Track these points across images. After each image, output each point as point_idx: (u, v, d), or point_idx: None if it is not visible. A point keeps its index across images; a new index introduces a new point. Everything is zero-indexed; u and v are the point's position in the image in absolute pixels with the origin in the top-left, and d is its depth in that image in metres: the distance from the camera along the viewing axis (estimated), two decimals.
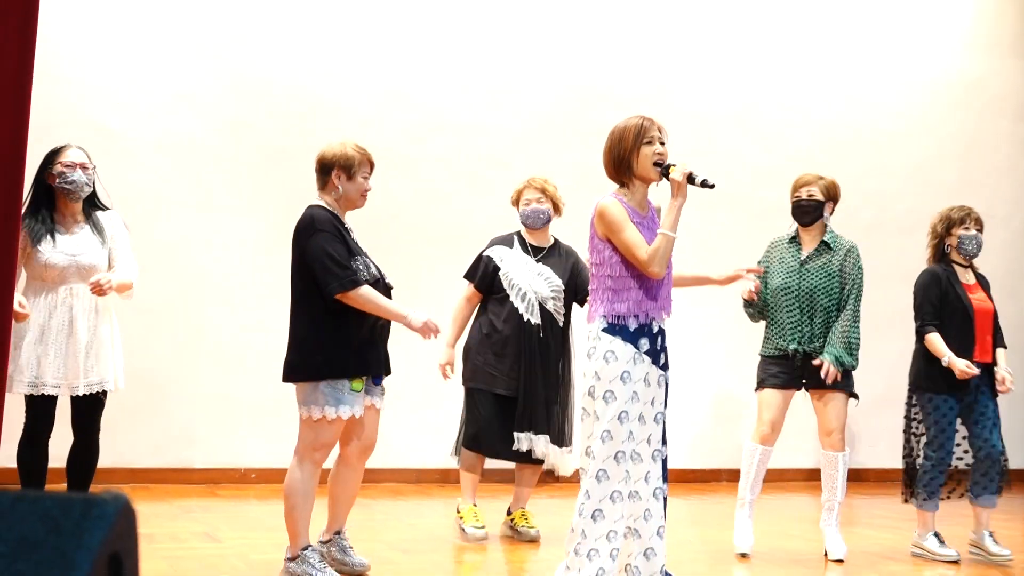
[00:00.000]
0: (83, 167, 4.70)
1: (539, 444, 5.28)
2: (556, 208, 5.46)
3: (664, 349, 3.91)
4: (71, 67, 6.81)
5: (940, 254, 5.36)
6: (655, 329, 3.87)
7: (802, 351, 5.11)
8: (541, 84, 7.76)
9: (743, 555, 5.07)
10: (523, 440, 5.26)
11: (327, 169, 4.27)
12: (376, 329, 4.26)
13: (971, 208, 5.38)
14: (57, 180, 4.66)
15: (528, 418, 5.28)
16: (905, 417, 5.41)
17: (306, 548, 4.22)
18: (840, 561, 5.11)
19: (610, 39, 7.95)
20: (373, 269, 4.27)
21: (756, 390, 5.29)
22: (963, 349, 5.17)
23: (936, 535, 5.22)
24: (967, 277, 5.36)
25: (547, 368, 5.34)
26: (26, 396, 4.57)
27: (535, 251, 5.47)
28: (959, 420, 5.28)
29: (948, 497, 5.39)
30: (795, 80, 8.41)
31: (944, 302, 5.22)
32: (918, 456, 5.31)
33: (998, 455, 5.18)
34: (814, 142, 8.36)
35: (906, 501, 5.35)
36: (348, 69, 7.38)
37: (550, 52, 7.80)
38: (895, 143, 8.64)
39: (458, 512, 5.44)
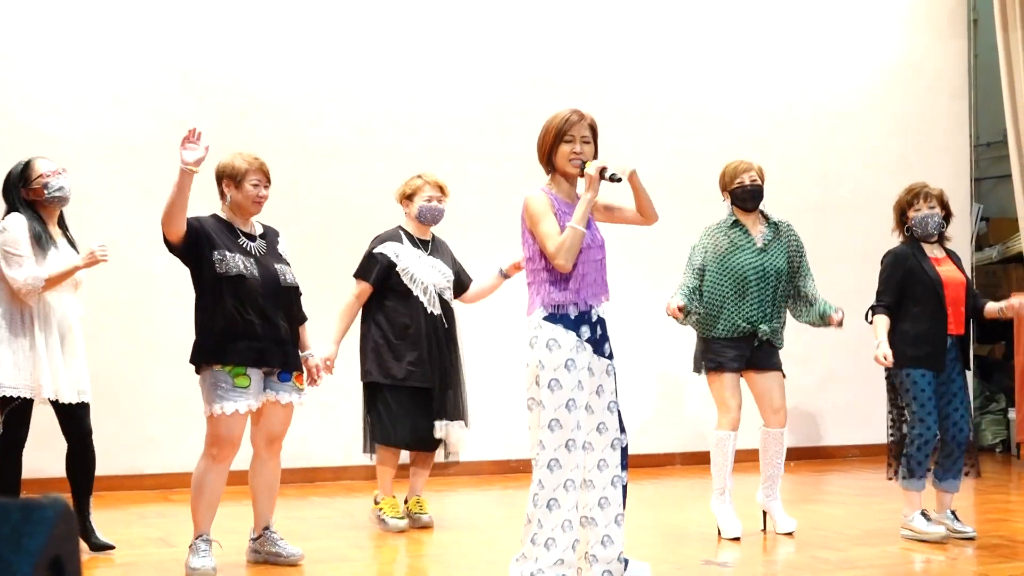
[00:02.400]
0: (59, 173, 4.75)
1: (454, 430, 5.41)
2: None
3: (606, 339, 3.94)
4: (6, 72, 6.72)
5: (907, 235, 5.28)
6: (594, 318, 3.89)
7: (768, 331, 5.18)
8: (485, 75, 7.77)
9: (735, 539, 5.10)
10: (440, 428, 5.37)
11: (218, 180, 4.55)
12: (239, 321, 4.36)
13: (921, 187, 5.24)
14: (45, 192, 4.70)
15: (443, 407, 5.40)
16: (888, 393, 5.26)
17: (199, 537, 4.43)
18: (791, 534, 5.20)
19: (557, 28, 7.97)
20: (239, 264, 4.40)
21: (708, 373, 5.24)
22: (936, 323, 5.10)
23: (923, 514, 5.12)
24: (935, 252, 5.26)
25: (452, 356, 5.49)
26: (7, 404, 4.61)
27: (423, 245, 5.56)
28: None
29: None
30: (742, 65, 8.49)
31: (912, 280, 5.12)
32: (900, 431, 5.19)
33: (964, 439, 5.14)
34: (762, 126, 8.45)
35: (891, 478, 5.25)
36: (290, 65, 7.35)
37: (495, 43, 7.81)
38: (840, 124, 8.76)
39: (376, 504, 5.49)
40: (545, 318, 3.84)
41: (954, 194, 9.07)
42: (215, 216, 4.55)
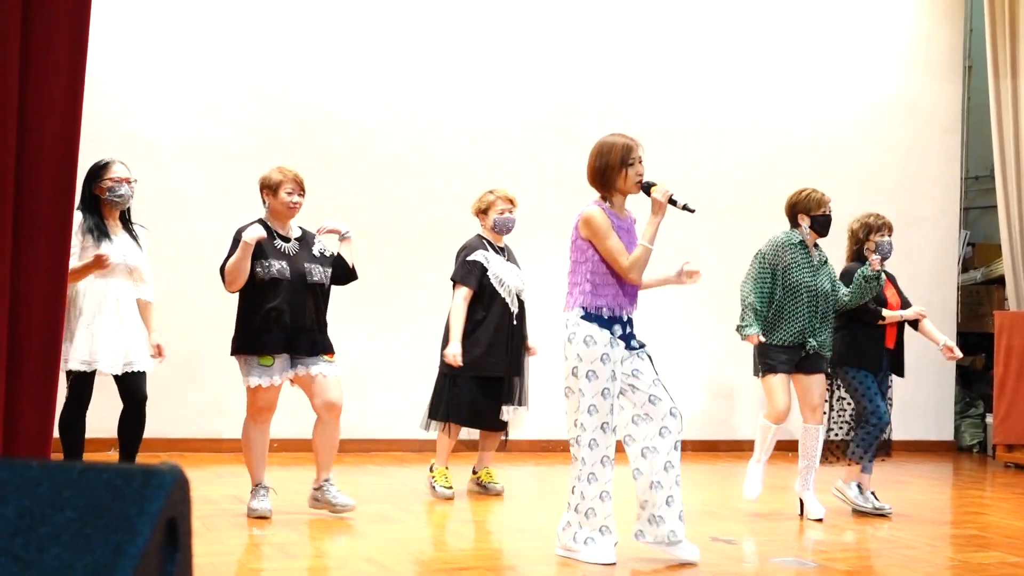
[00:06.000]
0: (128, 181, 4.74)
1: (520, 414, 5.45)
2: None
3: (633, 335, 4.00)
4: (112, 84, 6.79)
5: (858, 255, 5.37)
6: (624, 318, 3.97)
7: (815, 345, 5.10)
8: (526, 98, 7.76)
9: (751, 499, 5.09)
10: (508, 412, 5.41)
11: (260, 190, 4.76)
12: (272, 317, 4.51)
13: (885, 216, 5.41)
14: (107, 193, 4.69)
15: (511, 393, 5.42)
16: (829, 393, 5.35)
17: (257, 485, 4.68)
18: (820, 520, 5.08)
19: (588, 57, 7.94)
20: (275, 269, 4.54)
21: (763, 375, 5.12)
22: (879, 335, 5.29)
23: (872, 493, 5.30)
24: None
25: (521, 348, 5.51)
26: (72, 374, 4.57)
27: (500, 252, 5.56)
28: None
29: (836, 460, 5.39)
30: (756, 98, 8.41)
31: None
32: (844, 427, 5.35)
33: (884, 428, 5.25)
34: (771, 152, 8.38)
35: (835, 461, 5.37)
36: (357, 84, 7.37)
37: (534, 70, 7.80)
38: (842, 153, 8.66)
39: (431, 472, 5.47)
40: (583, 317, 3.89)
41: (944, 221, 8.99)
42: (260, 220, 4.68)
